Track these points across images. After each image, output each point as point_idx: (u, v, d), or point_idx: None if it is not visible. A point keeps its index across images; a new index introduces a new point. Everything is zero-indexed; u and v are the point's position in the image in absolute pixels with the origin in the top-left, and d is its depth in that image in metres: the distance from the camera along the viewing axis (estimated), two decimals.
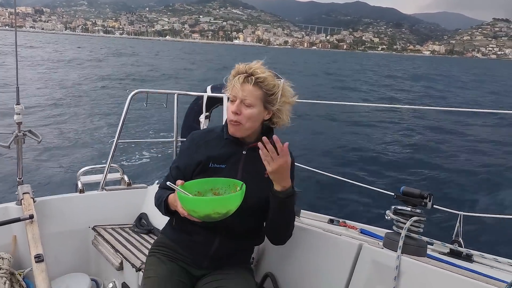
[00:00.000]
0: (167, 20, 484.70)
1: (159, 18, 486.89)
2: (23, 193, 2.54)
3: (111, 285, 2.57)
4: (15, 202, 2.59)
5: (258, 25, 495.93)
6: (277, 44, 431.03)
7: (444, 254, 1.93)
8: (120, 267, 2.41)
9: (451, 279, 1.39)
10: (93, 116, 13.36)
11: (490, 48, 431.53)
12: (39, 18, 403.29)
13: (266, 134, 1.63)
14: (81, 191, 2.86)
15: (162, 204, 1.65)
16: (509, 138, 11.90)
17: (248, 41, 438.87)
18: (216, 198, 1.46)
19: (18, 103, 2.55)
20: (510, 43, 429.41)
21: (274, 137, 1.45)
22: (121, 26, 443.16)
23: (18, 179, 2.64)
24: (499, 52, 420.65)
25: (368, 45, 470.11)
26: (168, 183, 1.54)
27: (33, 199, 2.54)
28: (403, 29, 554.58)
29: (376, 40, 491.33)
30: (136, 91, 2.98)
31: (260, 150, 1.44)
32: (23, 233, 2.37)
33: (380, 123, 13.87)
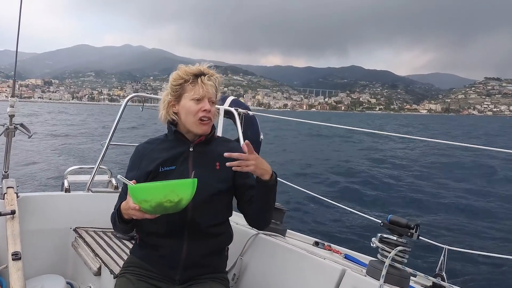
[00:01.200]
0: None
1: (162, 85, 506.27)
2: (7, 187, 2.51)
3: None
4: None
5: (258, 89, 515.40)
6: (277, 107, 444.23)
7: (426, 287, 1.90)
8: (98, 272, 2.31)
9: None
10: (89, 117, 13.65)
11: (485, 106, 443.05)
12: (47, 89, 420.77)
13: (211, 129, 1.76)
14: (67, 190, 2.80)
15: (116, 215, 1.61)
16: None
17: (249, 105, 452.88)
18: (166, 182, 1.43)
19: (13, 95, 2.56)
20: (504, 100, 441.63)
21: (246, 142, 1.50)
22: (125, 94, 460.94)
23: (3, 173, 2.60)
24: (494, 109, 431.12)
25: (366, 105, 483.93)
26: (119, 176, 1.50)
27: (17, 194, 2.51)
28: (399, 90, 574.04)
29: (373, 100, 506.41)
30: (132, 95, 3.01)
31: (229, 163, 1.49)
32: (3, 228, 2.31)
33: (375, 151, 14.00)
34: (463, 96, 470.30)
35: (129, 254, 1.84)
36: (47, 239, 2.68)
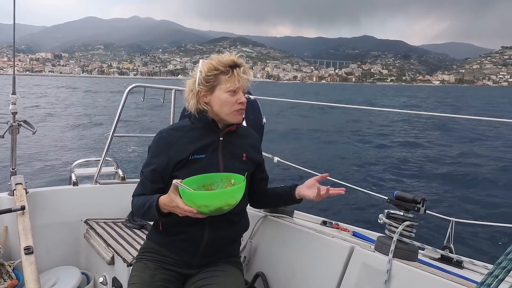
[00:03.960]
0: (179, 60, 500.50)
1: (171, 58, 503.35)
2: (15, 184, 2.54)
3: (101, 279, 2.50)
4: (7, 192, 2.59)
5: (267, 61, 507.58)
6: (286, 79, 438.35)
7: (435, 259, 1.91)
8: (111, 262, 2.37)
9: (441, 285, 1.40)
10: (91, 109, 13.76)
11: (501, 76, 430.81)
12: (57, 63, 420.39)
13: None
14: (75, 184, 2.84)
15: (152, 209, 1.56)
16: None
17: (258, 77, 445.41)
18: (228, 190, 1.47)
19: (14, 93, 2.57)
20: None
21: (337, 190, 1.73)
22: (135, 67, 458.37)
23: (11, 170, 2.63)
24: (510, 80, 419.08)
25: (377, 77, 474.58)
26: (175, 181, 1.43)
27: (26, 190, 2.54)
28: (412, 60, 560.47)
29: (385, 71, 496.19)
30: (133, 85, 2.94)
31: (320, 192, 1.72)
32: (14, 224, 2.37)
33: (378, 127, 13.87)
34: (478, 66, 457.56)
35: (145, 239, 1.85)
36: (59, 233, 2.73)
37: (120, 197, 2.96)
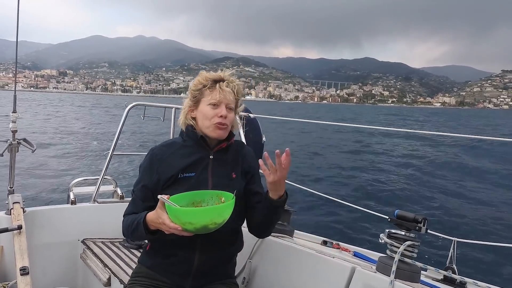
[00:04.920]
0: (182, 78, 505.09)
1: (174, 77, 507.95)
2: (13, 203, 2.52)
3: None
4: (4, 211, 2.56)
5: (269, 81, 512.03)
6: (288, 99, 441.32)
7: (437, 280, 1.87)
8: (108, 283, 2.33)
9: None
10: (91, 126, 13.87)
11: (501, 99, 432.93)
12: (62, 80, 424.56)
13: (228, 136, 1.75)
14: (73, 203, 2.82)
15: (140, 226, 1.55)
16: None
17: (260, 97, 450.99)
18: (214, 207, 1.44)
19: (14, 111, 2.59)
20: None
21: (287, 150, 1.49)
22: (138, 85, 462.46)
23: (9, 188, 2.63)
24: (511, 103, 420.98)
25: (378, 98, 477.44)
26: (159, 196, 1.43)
27: (23, 209, 2.53)
28: (413, 82, 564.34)
29: (386, 93, 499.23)
30: (133, 103, 2.98)
31: (260, 165, 1.51)
32: (10, 243, 2.34)
33: (378, 146, 13.86)
34: (479, 89, 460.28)
35: (137, 263, 1.83)
36: (56, 252, 2.70)
37: (118, 216, 2.89)
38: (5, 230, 2.33)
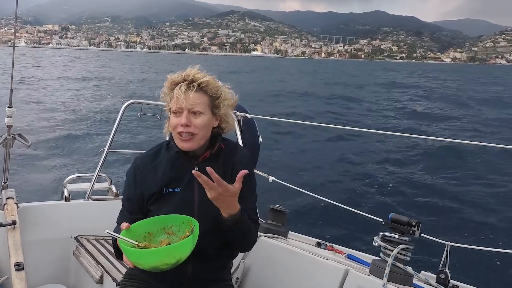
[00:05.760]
0: (187, 34, 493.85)
1: (179, 32, 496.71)
2: (6, 198, 2.51)
3: None
4: None
5: (276, 36, 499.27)
6: (294, 55, 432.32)
7: (430, 284, 1.88)
8: (100, 281, 2.33)
9: None
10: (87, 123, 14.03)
11: None
12: (65, 35, 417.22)
13: (214, 142, 1.58)
14: (67, 199, 2.81)
15: (114, 248, 1.50)
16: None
17: (265, 53, 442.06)
18: (162, 248, 1.30)
19: (10, 106, 2.55)
20: None
21: (208, 169, 1.31)
22: (142, 41, 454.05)
23: (2, 183, 2.61)
24: None
25: (387, 54, 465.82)
26: (106, 231, 1.34)
27: (17, 205, 2.51)
28: (423, 37, 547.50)
29: (395, 48, 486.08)
30: (130, 101, 2.91)
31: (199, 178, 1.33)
32: (2, 239, 2.34)
33: (373, 146, 13.77)
34: (492, 44, 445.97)
35: None
36: (48, 249, 2.70)
37: (112, 214, 2.91)
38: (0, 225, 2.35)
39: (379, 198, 8.37)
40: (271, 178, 2.87)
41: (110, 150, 2.92)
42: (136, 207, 1.59)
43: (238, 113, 2.68)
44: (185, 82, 1.49)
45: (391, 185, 9.45)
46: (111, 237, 2.82)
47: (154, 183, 1.55)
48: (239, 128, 2.65)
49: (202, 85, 1.50)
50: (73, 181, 2.99)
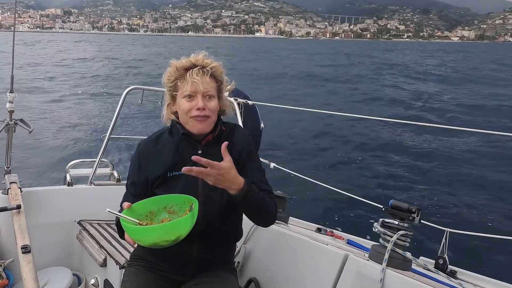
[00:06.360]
0: (190, 16, 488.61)
1: (182, 14, 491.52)
2: (10, 183, 2.54)
3: (93, 281, 2.53)
4: (1, 191, 2.59)
5: (280, 17, 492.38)
6: (299, 36, 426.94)
7: (428, 269, 1.89)
8: (104, 264, 2.38)
9: None
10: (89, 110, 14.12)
11: None
12: (67, 19, 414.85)
13: (215, 125, 1.61)
14: (69, 184, 2.84)
15: (117, 227, 1.54)
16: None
17: (269, 34, 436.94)
18: (161, 225, 1.32)
19: (11, 91, 2.56)
20: None
21: (194, 157, 1.32)
22: (145, 24, 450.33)
23: (5, 168, 2.65)
24: None
25: (393, 33, 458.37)
26: (107, 210, 1.38)
27: (20, 189, 2.54)
28: (431, 15, 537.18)
29: (402, 27, 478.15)
30: (131, 87, 2.92)
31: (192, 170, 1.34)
32: (6, 223, 2.38)
33: (373, 133, 13.67)
34: (501, 21, 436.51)
35: (136, 245, 1.80)
36: (52, 233, 2.74)
37: (114, 199, 2.95)
38: (4, 209, 2.36)
39: (379, 185, 8.38)
40: (272, 165, 2.87)
41: (111, 136, 2.94)
42: (141, 191, 1.62)
43: (239, 99, 2.66)
44: (198, 67, 1.54)
45: (391, 172, 9.46)
46: (113, 222, 2.87)
47: (159, 167, 1.59)
48: (241, 115, 2.63)
49: (213, 70, 1.56)
50: (75, 166, 3.02)
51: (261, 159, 2.39)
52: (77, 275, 2.74)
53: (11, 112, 2.59)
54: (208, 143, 1.61)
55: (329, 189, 2.60)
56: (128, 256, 2.28)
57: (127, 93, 2.87)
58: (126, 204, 1.42)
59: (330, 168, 9.44)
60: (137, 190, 1.63)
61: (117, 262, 2.24)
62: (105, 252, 2.40)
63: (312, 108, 3.16)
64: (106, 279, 2.41)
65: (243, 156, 1.62)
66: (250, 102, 2.63)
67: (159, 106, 3.10)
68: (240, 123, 2.65)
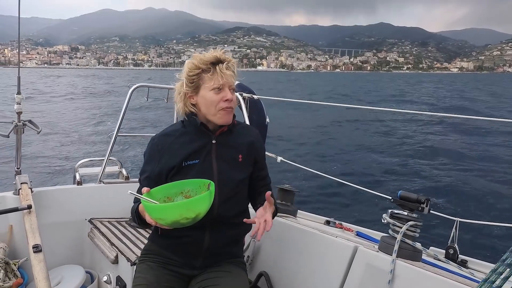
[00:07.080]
0: (193, 50, 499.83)
1: (185, 49, 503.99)
2: (21, 183, 2.56)
3: (105, 278, 2.52)
4: (12, 191, 2.61)
5: (281, 51, 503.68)
6: (300, 69, 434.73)
7: (439, 259, 1.88)
8: (115, 261, 2.39)
9: (445, 285, 1.38)
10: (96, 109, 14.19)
11: None
12: (74, 55, 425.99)
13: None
14: (79, 183, 2.87)
15: (135, 216, 1.58)
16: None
17: (271, 67, 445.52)
18: (181, 202, 1.37)
19: (19, 93, 2.60)
20: None
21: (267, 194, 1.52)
22: (150, 59, 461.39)
23: (16, 169, 2.68)
24: None
25: (393, 65, 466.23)
26: (129, 191, 1.44)
27: (31, 189, 2.56)
28: (429, 48, 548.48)
29: (401, 59, 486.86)
30: (137, 85, 2.95)
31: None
32: (19, 222, 2.40)
33: (382, 126, 13.66)
34: (499, 52, 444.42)
35: (147, 240, 1.84)
36: (63, 232, 2.76)
37: (124, 197, 2.94)
38: (16, 209, 2.37)
39: (388, 176, 8.34)
40: (279, 159, 2.88)
41: (119, 134, 2.95)
42: (153, 183, 1.63)
43: (244, 94, 2.70)
44: (226, 62, 1.62)
45: (400, 163, 9.38)
46: (123, 219, 2.87)
47: (174, 158, 1.62)
48: (246, 110, 2.66)
49: (235, 66, 1.66)
50: (84, 165, 3.05)
51: (268, 153, 2.41)
52: (90, 273, 2.74)
53: (19, 113, 2.62)
54: (222, 133, 1.67)
55: (336, 181, 2.58)
56: (138, 252, 2.28)
57: (132, 91, 2.90)
58: (145, 189, 1.45)
59: (337, 161, 9.39)
60: (151, 183, 1.63)
61: (128, 259, 2.24)
62: (116, 249, 2.40)
63: (318, 101, 3.18)
64: (118, 275, 2.40)
65: (260, 155, 1.75)
66: (255, 97, 2.66)
67: (165, 103, 3.16)
68: (246, 119, 2.68)
